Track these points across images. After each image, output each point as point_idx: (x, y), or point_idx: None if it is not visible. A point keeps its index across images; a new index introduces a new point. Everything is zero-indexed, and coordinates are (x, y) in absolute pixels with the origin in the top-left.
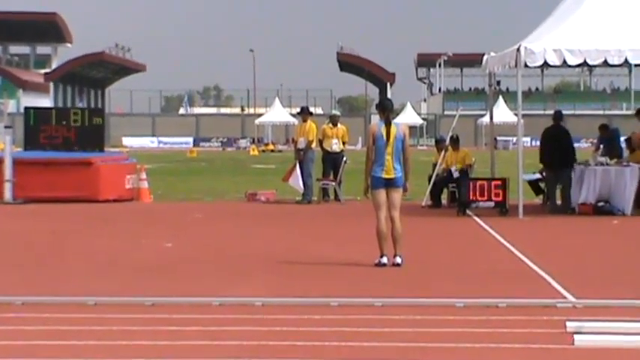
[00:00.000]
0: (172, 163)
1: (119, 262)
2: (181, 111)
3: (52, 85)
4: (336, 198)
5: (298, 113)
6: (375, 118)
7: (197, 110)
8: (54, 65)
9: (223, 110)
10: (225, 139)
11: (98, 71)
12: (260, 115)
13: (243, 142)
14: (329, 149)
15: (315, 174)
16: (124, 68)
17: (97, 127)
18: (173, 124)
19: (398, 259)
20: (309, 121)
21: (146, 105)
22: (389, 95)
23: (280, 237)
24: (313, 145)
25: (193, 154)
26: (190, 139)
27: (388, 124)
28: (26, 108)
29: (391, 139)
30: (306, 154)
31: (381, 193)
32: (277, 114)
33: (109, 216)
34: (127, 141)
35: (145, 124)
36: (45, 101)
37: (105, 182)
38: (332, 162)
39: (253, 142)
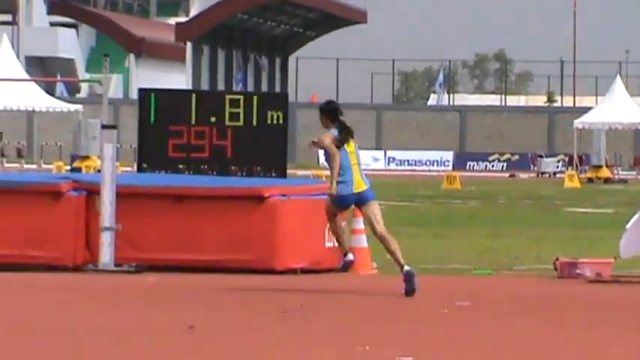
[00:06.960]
0: (414, 200)
1: None
2: (432, 99)
3: (189, 46)
4: None
5: None
6: None
7: (461, 98)
8: (193, 12)
9: (510, 99)
10: (514, 157)
11: (276, 22)
12: (583, 110)
13: (549, 163)
14: None
15: None
16: (325, 17)
17: (273, 128)
18: (412, 124)
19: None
20: None
21: (364, 86)
22: None
23: None
24: None
25: (455, 183)
26: (448, 155)
27: None
28: (141, 90)
29: None
30: None
31: None
32: (615, 108)
33: (297, 304)
34: None
35: (364, 123)
36: (177, 77)
37: (287, 235)
38: None
39: (570, 162)
